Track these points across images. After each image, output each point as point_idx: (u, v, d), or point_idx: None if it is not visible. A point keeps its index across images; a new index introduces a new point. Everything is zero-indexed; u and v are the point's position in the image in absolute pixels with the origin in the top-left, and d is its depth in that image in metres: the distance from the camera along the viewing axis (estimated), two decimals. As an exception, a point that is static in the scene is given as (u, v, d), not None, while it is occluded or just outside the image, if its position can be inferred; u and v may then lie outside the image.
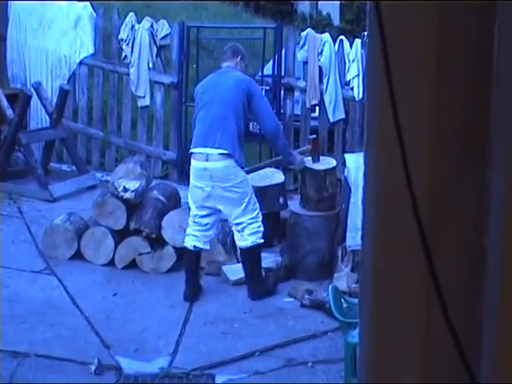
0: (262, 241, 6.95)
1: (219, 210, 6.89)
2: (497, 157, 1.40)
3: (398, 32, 1.40)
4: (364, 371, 1.56)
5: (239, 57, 7.06)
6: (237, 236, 6.95)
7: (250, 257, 6.97)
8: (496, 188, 1.40)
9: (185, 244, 7.02)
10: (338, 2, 20.53)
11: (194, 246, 6.96)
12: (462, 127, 1.42)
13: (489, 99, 1.40)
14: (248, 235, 6.85)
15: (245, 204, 6.80)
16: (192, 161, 6.86)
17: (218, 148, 6.64)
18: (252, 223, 6.86)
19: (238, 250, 7.16)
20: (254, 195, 6.94)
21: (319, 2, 21.37)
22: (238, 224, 6.87)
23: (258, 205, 6.95)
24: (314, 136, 7.41)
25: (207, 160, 6.69)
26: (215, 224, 7.05)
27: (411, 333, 1.48)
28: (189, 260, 7.06)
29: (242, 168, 6.84)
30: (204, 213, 6.89)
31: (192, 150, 6.85)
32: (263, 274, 7.12)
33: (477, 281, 1.44)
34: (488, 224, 1.43)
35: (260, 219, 6.92)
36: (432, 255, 1.31)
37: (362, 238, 1.55)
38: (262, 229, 6.92)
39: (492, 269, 1.40)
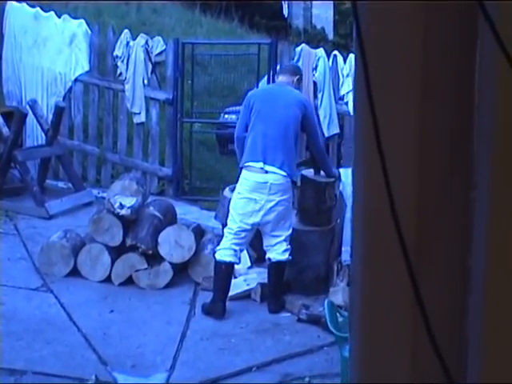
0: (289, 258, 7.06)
1: (258, 225, 6.92)
2: (480, 179, 1.42)
3: (381, 51, 1.43)
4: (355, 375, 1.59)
5: (297, 77, 7.21)
6: (272, 248, 6.99)
7: (281, 271, 7.08)
8: (479, 210, 1.43)
9: (218, 258, 6.94)
10: (332, 18, 20.61)
11: (227, 261, 6.91)
12: (447, 150, 1.45)
13: (472, 121, 1.43)
14: (283, 251, 6.96)
15: (285, 220, 6.94)
16: (248, 174, 6.84)
17: (279, 168, 6.73)
18: (287, 240, 6.99)
19: (267, 261, 7.13)
20: (292, 214, 7.14)
21: (313, 16, 21.45)
22: (275, 236, 6.95)
23: (292, 225, 7.09)
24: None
25: (267, 173, 6.76)
26: (248, 239, 7.08)
27: (398, 350, 1.50)
28: (223, 275, 6.96)
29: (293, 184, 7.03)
30: (247, 227, 6.90)
31: (249, 164, 6.83)
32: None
33: (462, 299, 1.47)
34: (472, 245, 1.46)
35: (289, 238, 7.06)
36: (417, 277, 1.34)
37: (350, 256, 1.58)
38: (289, 246, 7.04)
39: (476, 287, 1.42)
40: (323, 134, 7.52)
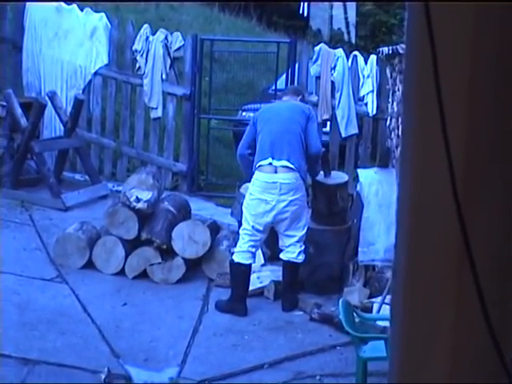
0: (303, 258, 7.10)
1: (271, 225, 6.97)
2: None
3: (438, 36, 1.44)
4: (393, 371, 1.59)
5: (300, 96, 7.42)
6: (287, 249, 7.03)
7: (295, 272, 7.11)
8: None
9: (237, 260, 6.98)
10: (354, 19, 20.57)
11: (237, 261, 6.96)
12: (495, 130, 1.46)
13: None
14: (299, 253, 7.00)
15: (299, 219, 6.96)
16: (259, 174, 6.91)
17: (286, 160, 6.81)
18: (301, 240, 7.03)
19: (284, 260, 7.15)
20: (307, 214, 7.16)
21: (333, 18, 21.42)
22: (289, 236, 6.98)
23: (307, 225, 7.11)
24: (323, 150, 7.46)
25: (276, 172, 6.83)
26: (262, 240, 7.15)
27: (441, 330, 1.52)
28: (242, 276, 7.01)
29: (305, 184, 7.06)
30: (260, 227, 6.94)
31: (259, 163, 6.91)
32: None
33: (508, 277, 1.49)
34: None
35: (304, 238, 7.10)
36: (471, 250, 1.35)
37: (395, 246, 1.59)
38: (303, 247, 7.09)
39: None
40: (322, 143, 7.63)
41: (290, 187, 6.82)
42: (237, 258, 6.98)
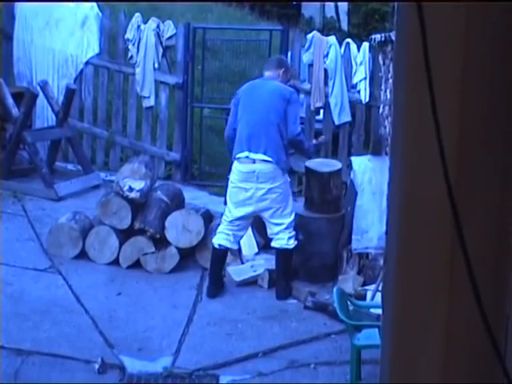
0: (295, 243, 7.12)
1: (254, 214, 7.00)
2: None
3: (429, 27, 1.43)
4: (386, 358, 1.58)
5: (282, 69, 7.19)
6: (276, 237, 7.04)
7: (288, 259, 7.14)
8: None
9: (213, 241, 7.11)
10: (346, 7, 20.55)
11: (220, 245, 7.04)
12: (487, 116, 1.45)
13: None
14: (288, 239, 7.01)
15: (283, 207, 6.95)
16: (237, 164, 6.94)
17: (263, 153, 6.79)
18: (290, 227, 7.03)
19: (275, 251, 7.20)
20: (292, 201, 7.12)
21: (326, 6, 21.39)
22: (276, 224, 7.00)
23: (293, 211, 7.11)
24: (323, 138, 7.52)
25: (254, 162, 6.83)
26: (247, 227, 7.23)
27: (434, 318, 1.51)
28: (215, 258, 7.14)
29: (286, 173, 7.02)
30: (241, 214, 6.98)
31: (238, 155, 6.92)
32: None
33: (503, 265, 1.48)
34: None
35: (293, 225, 7.10)
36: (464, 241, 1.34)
37: (386, 233, 1.58)
38: (293, 233, 7.09)
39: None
40: (303, 130, 7.56)
41: (268, 176, 6.83)
42: (214, 240, 7.10)
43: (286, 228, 7.01)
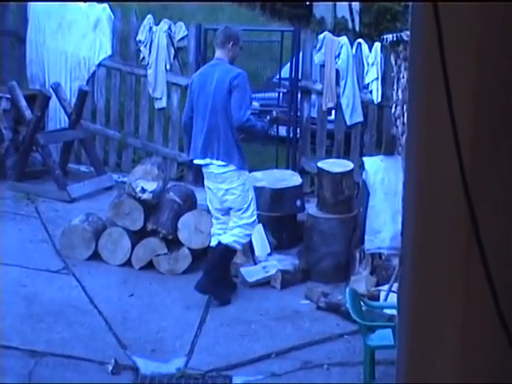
0: (239, 247, 6.96)
1: (226, 209, 6.93)
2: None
3: (444, 28, 1.43)
4: (402, 359, 1.58)
5: (231, 43, 6.80)
6: (227, 231, 6.90)
7: (218, 254, 6.93)
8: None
9: (211, 244, 7.05)
10: (358, 6, 20.51)
11: (219, 242, 6.94)
12: (502, 116, 1.45)
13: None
14: (232, 235, 6.86)
15: (243, 209, 6.83)
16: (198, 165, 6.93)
17: (217, 159, 6.69)
18: (243, 227, 6.86)
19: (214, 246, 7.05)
20: (255, 205, 6.93)
21: (337, 6, 21.36)
22: (233, 221, 6.89)
23: (255, 214, 6.93)
24: (273, 114, 7.24)
25: (210, 166, 6.76)
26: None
27: (450, 318, 1.50)
28: (217, 255, 6.99)
29: (244, 170, 6.81)
30: (218, 212, 6.97)
31: (195, 162, 6.87)
32: (223, 279, 7.04)
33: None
34: None
35: (251, 230, 6.95)
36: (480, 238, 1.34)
37: (401, 234, 1.58)
38: (247, 238, 6.96)
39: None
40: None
41: (222, 177, 6.74)
42: (212, 243, 7.05)
43: (239, 227, 6.85)
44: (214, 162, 6.72)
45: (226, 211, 6.97)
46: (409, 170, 1.58)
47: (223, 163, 6.70)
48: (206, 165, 6.79)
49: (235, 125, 6.64)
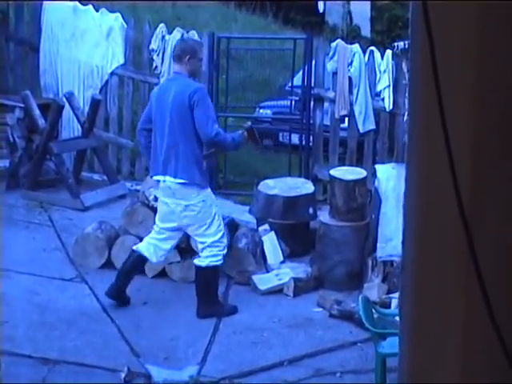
0: (220, 263, 6.84)
1: (181, 229, 6.83)
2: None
3: (442, 33, 1.42)
4: (404, 366, 1.58)
5: (187, 57, 6.63)
6: (200, 253, 6.82)
7: (203, 277, 6.84)
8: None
9: (133, 248, 6.98)
10: (368, 14, 20.52)
11: (137, 248, 6.91)
12: (503, 128, 1.44)
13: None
14: (205, 257, 6.76)
15: (206, 226, 6.71)
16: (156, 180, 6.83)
17: (175, 177, 6.57)
18: (213, 246, 6.76)
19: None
20: (220, 218, 6.82)
21: (349, 12, 21.38)
22: (200, 242, 6.79)
23: (223, 229, 6.83)
24: (248, 125, 7.07)
25: (170, 181, 6.64)
26: (173, 239, 6.93)
27: (450, 324, 1.50)
28: (128, 261, 6.99)
29: (205, 187, 6.71)
30: (166, 226, 6.83)
31: (154, 178, 6.80)
32: (217, 296, 6.97)
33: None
34: None
35: (224, 244, 6.82)
36: (474, 249, 1.34)
37: (402, 242, 1.58)
38: (223, 252, 6.82)
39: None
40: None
41: (181, 193, 6.61)
42: (136, 246, 6.99)
43: (209, 246, 6.74)
44: (173, 179, 6.58)
45: (178, 229, 6.82)
46: (408, 179, 1.58)
47: (182, 181, 6.57)
48: (165, 181, 6.67)
49: (204, 141, 6.56)
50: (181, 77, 6.68)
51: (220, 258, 6.81)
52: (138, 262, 7.00)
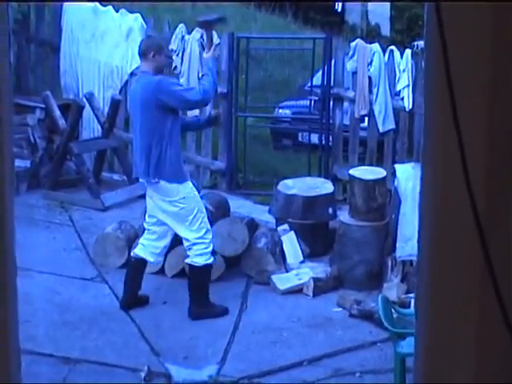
0: (211, 261, 6.81)
1: (164, 222, 6.81)
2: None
3: (456, 36, 1.42)
4: (419, 366, 1.59)
5: (152, 53, 6.61)
6: (188, 252, 6.79)
7: (196, 277, 6.84)
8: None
9: (135, 252, 6.99)
10: (388, 13, 20.47)
11: (135, 254, 6.95)
12: None
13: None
14: (196, 256, 6.73)
15: (189, 222, 6.67)
16: None
17: (153, 177, 6.58)
18: (198, 243, 6.72)
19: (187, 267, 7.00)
20: (203, 214, 6.76)
21: (368, 11, 21.33)
22: (185, 239, 6.77)
23: (207, 225, 6.78)
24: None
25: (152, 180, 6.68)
26: (165, 235, 6.91)
27: (465, 326, 1.50)
28: (129, 267, 7.07)
29: (183, 181, 6.68)
30: (153, 220, 6.85)
31: (140, 180, 6.92)
32: (208, 296, 6.93)
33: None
34: None
35: (208, 240, 6.74)
36: (488, 250, 1.34)
37: (418, 242, 1.58)
38: (209, 250, 6.76)
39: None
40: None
41: (162, 189, 6.63)
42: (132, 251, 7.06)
43: (194, 244, 6.70)
44: (152, 180, 6.62)
45: (161, 223, 6.80)
46: (424, 179, 1.58)
47: (159, 180, 6.60)
48: (147, 181, 6.72)
49: (187, 104, 6.78)
50: (144, 76, 6.72)
51: (208, 256, 6.75)
52: (138, 266, 7.01)
